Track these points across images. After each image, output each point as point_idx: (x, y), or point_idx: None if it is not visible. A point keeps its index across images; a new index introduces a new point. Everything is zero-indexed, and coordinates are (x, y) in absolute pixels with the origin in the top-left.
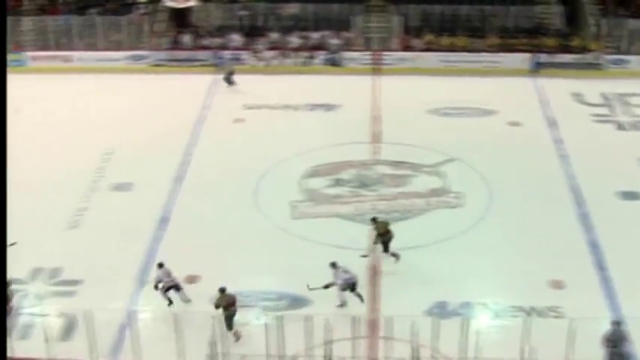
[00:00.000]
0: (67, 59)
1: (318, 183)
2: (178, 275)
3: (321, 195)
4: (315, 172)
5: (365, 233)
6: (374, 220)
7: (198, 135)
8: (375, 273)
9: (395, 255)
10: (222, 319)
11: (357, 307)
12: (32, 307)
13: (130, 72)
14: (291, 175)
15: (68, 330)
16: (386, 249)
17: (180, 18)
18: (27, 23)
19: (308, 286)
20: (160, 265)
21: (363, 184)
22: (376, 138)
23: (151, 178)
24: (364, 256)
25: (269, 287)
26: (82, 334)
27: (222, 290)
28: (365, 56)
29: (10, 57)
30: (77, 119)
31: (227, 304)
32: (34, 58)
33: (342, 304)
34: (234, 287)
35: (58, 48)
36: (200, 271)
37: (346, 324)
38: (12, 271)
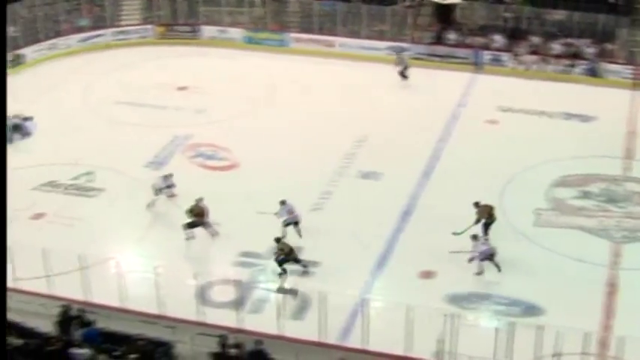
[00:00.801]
0: (328, 44)
1: (565, 193)
2: (412, 270)
3: (566, 205)
4: (563, 182)
5: (606, 250)
6: (476, 204)
7: (450, 132)
8: (612, 290)
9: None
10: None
11: (590, 321)
12: (268, 283)
13: (390, 62)
14: (538, 182)
15: (301, 309)
16: (486, 232)
17: (444, 14)
18: (293, 5)
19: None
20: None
21: (611, 199)
22: (629, 154)
23: (399, 169)
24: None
25: (504, 292)
26: (314, 315)
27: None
28: (626, 70)
29: (272, 36)
30: (333, 103)
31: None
32: (297, 40)
33: (480, 273)
34: (470, 287)
35: (321, 32)
36: (436, 267)
37: (577, 338)
38: (253, 246)
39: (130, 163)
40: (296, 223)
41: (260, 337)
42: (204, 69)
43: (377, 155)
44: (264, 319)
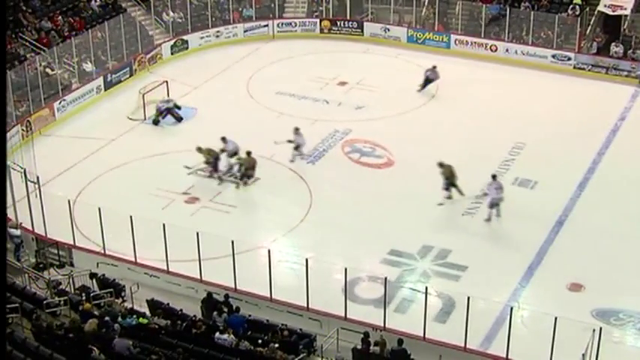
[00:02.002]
0: (492, 48)
1: None
2: (562, 281)
3: None
4: None
5: None
6: (441, 165)
7: (609, 144)
8: None
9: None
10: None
11: None
12: (415, 283)
13: (553, 71)
14: None
15: (445, 312)
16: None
17: (611, 25)
18: (457, 6)
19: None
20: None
21: None
22: None
23: (555, 179)
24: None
25: None
26: (458, 319)
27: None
28: None
29: (435, 37)
30: (493, 108)
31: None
32: (460, 42)
33: (489, 219)
34: (615, 304)
35: (487, 36)
36: (585, 280)
37: None
38: (404, 246)
39: (287, 155)
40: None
41: (402, 337)
42: (365, 66)
43: (534, 163)
44: (408, 319)
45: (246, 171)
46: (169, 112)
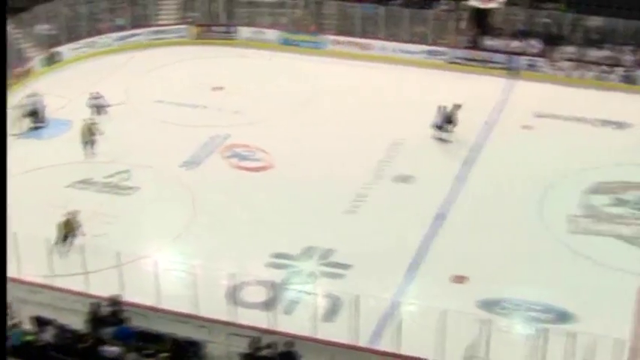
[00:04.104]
0: (367, 47)
1: (600, 200)
2: (445, 274)
3: (602, 213)
4: (598, 189)
5: None
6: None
7: (486, 137)
8: None
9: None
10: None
11: (623, 329)
12: (301, 285)
13: (426, 66)
14: (574, 189)
15: (334, 312)
16: None
17: (481, 18)
18: (333, 8)
19: None
20: None
21: None
22: None
23: (434, 173)
24: None
25: (537, 298)
26: (346, 317)
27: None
28: None
29: (309, 38)
30: (369, 106)
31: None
32: (335, 42)
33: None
34: (500, 294)
35: (361, 35)
36: (469, 272)
37: (609, 346)
38: (287, 248)
39: (166, 162)
40: None
41: (291, 339)
42: (240, 70)
43: (412, 159)
44: (296, 321)
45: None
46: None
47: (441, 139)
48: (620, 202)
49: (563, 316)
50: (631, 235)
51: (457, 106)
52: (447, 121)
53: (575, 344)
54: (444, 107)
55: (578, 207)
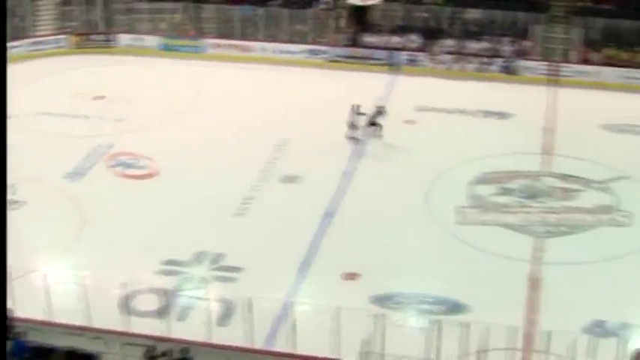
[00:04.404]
0: (247, 49)
1: (486, 190)
2: (337, 272)
3: (488, 202)
4: (484, 179)
5: (530, 245)
6: None
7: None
8: (534, 285)
9: None
10: None
11: (515, 316)
12: (193, 290)
13: (308, 66)
14: (460, 180)
15: (226, 316)
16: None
17: (360, 15)
18: (210, 11)
19: None
20: None
21: (532, 195)
22: (547, 150)
23: (321, 171)
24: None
25: (429, 291)
26: (240, 320)
27: None
28: (542, 66)
29: (189, 42)
30: (253, 108)
31: None
32: (215, 46)
33: None
34: (394, 287)
35: (241, 37)
36: (361, 268)
37: (503, 334)
38: (177, 254)
39: (51, 175)
40: None
41: (187, 345)
42: (121, 77)
43: (298, 159)
44: (190, 327)
45: None
46: None
47: (354, 138)
48: (506, 191)
49: (455, 307)
50: (517, 223)
51: (380, 109)
52: (370, 124)
53: (469, 334)
54: (357, 106)
55: (465, 198)
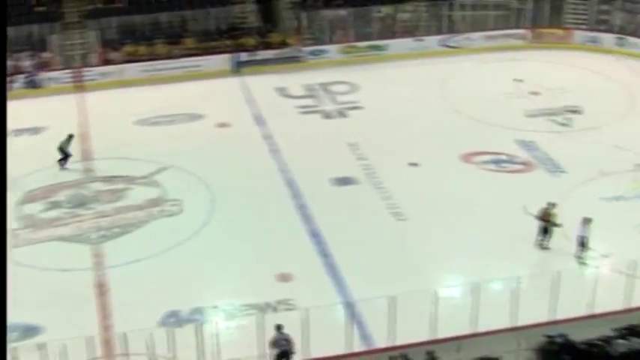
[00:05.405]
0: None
1: (34, 208)
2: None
3: (39, 220)
4: (29, 198)
5: (88, 253)
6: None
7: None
8: (101, 291)
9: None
10: None
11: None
12: None
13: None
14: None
15: None
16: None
17: None
18: None
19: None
20: None
21: (80, 203)
22: (87, 155)
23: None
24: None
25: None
26: None
27: None
28: (65, 75)
29: None
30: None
31: None
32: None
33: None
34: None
35: None
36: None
37: (82, 346)
38: None
39: None
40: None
41: None
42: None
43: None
44: None
45: None
46: None
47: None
48: (54, 205)
49: (28, 331)
50: (71, 233)
51: (70, 137)
52: (61, 151)
53: (47, 355)
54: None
55: (16, 220)
